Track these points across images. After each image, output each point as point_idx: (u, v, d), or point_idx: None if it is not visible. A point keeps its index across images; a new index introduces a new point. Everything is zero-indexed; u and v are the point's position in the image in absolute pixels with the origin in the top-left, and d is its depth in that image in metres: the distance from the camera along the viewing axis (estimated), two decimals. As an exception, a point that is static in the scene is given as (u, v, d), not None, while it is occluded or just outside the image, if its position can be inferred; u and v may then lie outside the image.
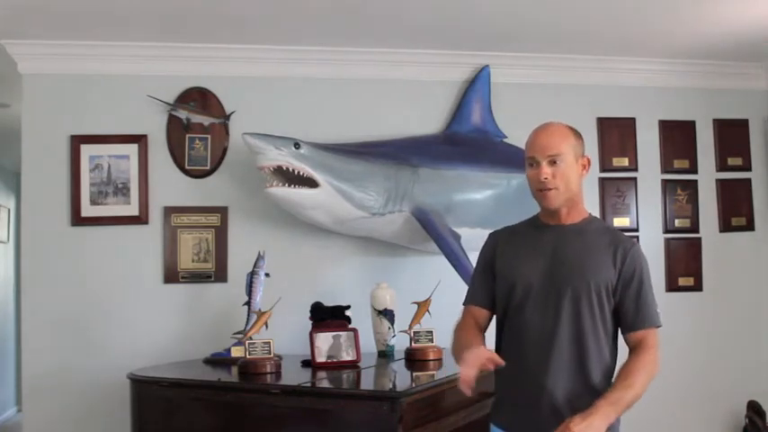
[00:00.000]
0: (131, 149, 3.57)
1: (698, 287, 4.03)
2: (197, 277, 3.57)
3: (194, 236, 3.59)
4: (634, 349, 2.00)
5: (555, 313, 2.00)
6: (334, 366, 2.92)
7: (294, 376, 2.82)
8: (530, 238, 2.12)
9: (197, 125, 3.62)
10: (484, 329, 2.16)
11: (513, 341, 2.07)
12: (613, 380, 1.99)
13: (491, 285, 2.16)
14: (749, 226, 4.13)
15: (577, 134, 2.09)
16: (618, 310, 2.02)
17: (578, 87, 3.97)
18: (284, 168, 3.20)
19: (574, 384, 1.98)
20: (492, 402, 2.16)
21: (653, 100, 4.07)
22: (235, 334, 3.14)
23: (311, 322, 3.13)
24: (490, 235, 2.24)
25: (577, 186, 2.07)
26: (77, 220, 3.51)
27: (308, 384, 2.69)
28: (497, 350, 2.09)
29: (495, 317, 2.17)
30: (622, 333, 2.04)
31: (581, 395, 1.96)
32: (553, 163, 2.01)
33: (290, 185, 3.21)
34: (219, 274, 3.59)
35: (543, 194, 2.04)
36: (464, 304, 2.22)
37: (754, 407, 3.92)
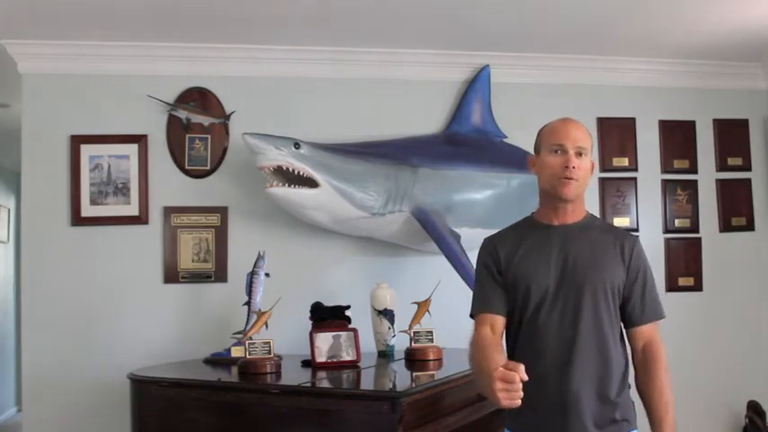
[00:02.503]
0: (131, 149, 3.57)
1: (698, 287, 4.03)
2: (197, 277, 3.57)
3: (194, 236, 3.59)
4: (642, 349, 2.03)
5: (575, 313, 1.97)
6: (334, 366, 2.91)
7: (294, 376, 2.82)
8: (534, 240, 2.07)
9: (197, 125, 3.62)
10: (501, 338, 2.08)
11: (531, 346, 2.01)
12: (626, 381, 2.00)
13: (502, 291, 2.07)
14: (749, 226, 4.13)
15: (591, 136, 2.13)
16: (624, 306, 2.04)
17: (578, 87, 3.96)
18: (284, 168, 3.20)
19: (599, 383, 1.96)
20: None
21: (653, 100, 4.07)
22: (235, 334, 3.14)
23: (311, 322, 3.13)
24: (486, 241, 2.15)
25: (587, 185, 2.09)
26: (77, 220, 3.51)
27: (308, 384, 2.68)
28: (510, 358, 1.98)
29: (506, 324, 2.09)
30: (627, 328, 2.06)
31: (606, 395, 1.96)
32: (580, 155, 2.03)
33: (290, 185, 3.21)
34: (219, 274, 3.59)
35: (565, 182, 2.02)
36: (476, 313, 2.09)
37: (754, 407, 3.92)
